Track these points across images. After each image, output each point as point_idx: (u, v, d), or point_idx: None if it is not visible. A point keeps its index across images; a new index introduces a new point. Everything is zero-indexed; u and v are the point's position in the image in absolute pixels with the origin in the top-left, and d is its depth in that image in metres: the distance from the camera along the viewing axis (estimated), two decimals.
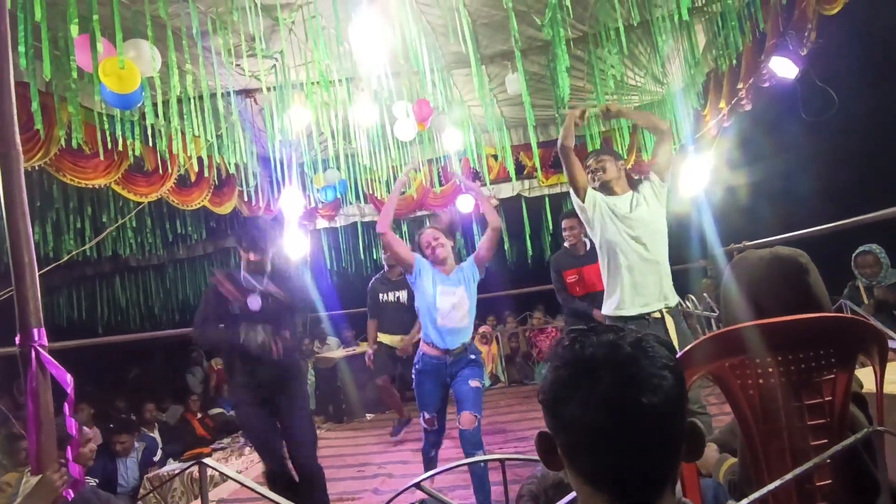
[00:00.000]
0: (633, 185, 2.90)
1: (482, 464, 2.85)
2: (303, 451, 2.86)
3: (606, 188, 2.87)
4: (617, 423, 0.68)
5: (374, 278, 5.05)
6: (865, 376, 1.37)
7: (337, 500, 3.61)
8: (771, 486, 1.10)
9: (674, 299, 2.79)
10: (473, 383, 2.99)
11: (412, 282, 3.13)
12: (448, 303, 3.01)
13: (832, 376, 1.22)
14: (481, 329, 7.07)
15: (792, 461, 1.19)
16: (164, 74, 3.10)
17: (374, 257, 8.04)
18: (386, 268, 4.95)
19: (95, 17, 2.33)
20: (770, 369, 1.25)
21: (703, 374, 1.33)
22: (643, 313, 2.71)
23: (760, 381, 1.26)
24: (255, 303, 2.77)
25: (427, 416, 3.05)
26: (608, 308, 2.84)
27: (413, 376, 3.15)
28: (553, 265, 4.48)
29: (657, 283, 2.75)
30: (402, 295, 4.82)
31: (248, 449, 4.80)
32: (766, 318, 1.29)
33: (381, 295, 4.89)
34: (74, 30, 2.34)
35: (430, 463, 3.13)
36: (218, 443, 5.30)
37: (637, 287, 2.73)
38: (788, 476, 1.08)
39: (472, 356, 3.07)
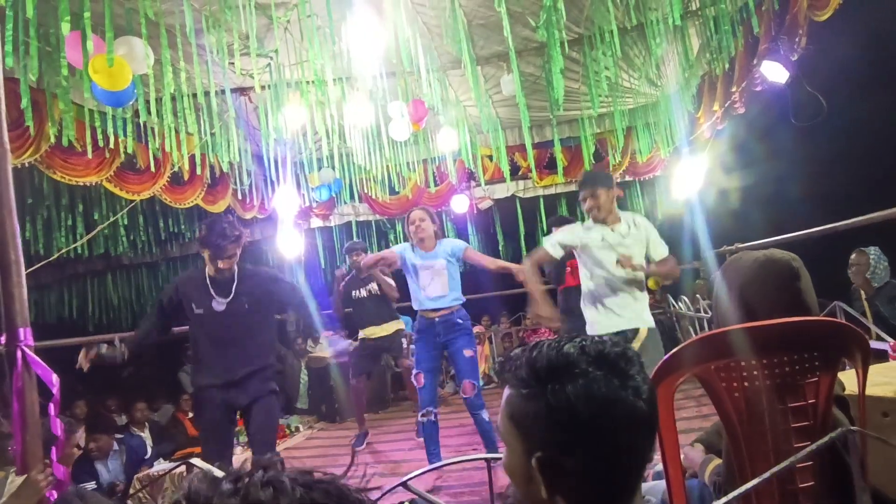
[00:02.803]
0: (625, 218, 2.99)
1: (486, 417, 3.30)
2: (262, 448, 2.82)
3: (599, 222, 2.94)
4: None
5: (343, 282, 5.06)
6: (848, 379, 1.38)
7: None
8: (749, 486, 1.11)
9: (652, 320, 2.96)
10: (467, 353, 3.36)
11: (405, 271, 3.48)
12: (428, 276, 3.38)
13: (815, 379, 1.23)
14: (475, 329, 7.08)
15: (775, 462, 1.20)
16: (157, 72, 3.08)
17: None
18: (353, 271, 5.00)
19: (87, 14, 2.32)
20: (755, 372, 1.26)
21: (689, 376, 1.33)
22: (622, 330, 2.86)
23: (745, 383, 1.27)
24: (219, 305, 2.72)
25: (415, 371, 3.42)
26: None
27: (413, 337, 3.57)
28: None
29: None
30: (374, 286, 4.88)
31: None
32: (755, 320, 1.30)
33: (353, 292, 4.94)
34: (66, 27, 2.32)
35: (428, 437, 3.40)
36: None
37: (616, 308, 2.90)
38: (765, 475, 1.09)
39: (460, 320, 3.40)
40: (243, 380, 2.74)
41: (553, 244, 2.94)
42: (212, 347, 2.75)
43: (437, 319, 3.37)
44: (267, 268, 3.01)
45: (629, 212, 3.06)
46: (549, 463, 0.71)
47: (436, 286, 3.37)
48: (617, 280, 2.86)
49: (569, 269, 4.32)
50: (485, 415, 3.31)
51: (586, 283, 2.98)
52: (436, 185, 6.95)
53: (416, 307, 3.47)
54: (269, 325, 2.93)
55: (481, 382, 6.81)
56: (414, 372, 3.45)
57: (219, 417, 2.75)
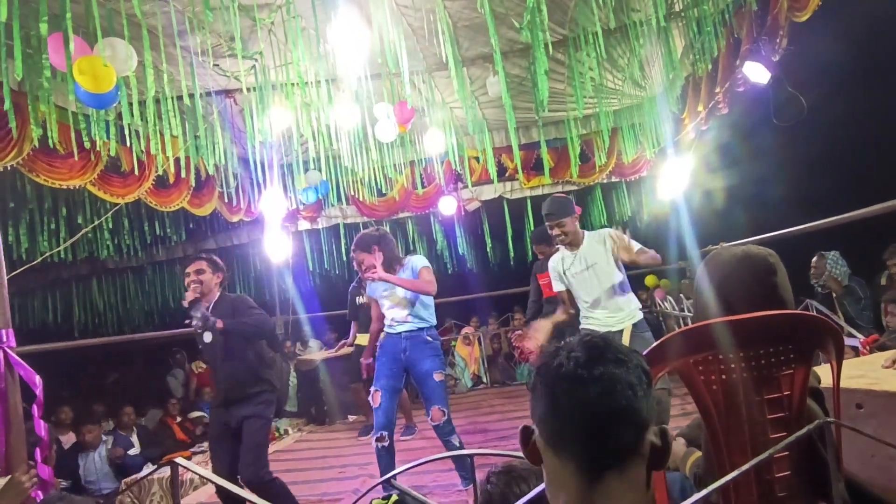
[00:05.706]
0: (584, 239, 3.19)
1: (457, 443, 3.09)
2: (245, 470, 2.89)
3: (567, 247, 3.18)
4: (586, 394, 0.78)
5: (353, 284, 5.15)
6: (823, 372, 1.41)
7: (318, 502, 3.60)
8: (727, 479, 1.13)
9: (637, 315, 3.13)
10: (437, 377, 3.14)
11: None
12: (388, 302, 3.26)
13: (790, 372, 1.26)
14: (464, 330, 7.09)
15: (752, 454, 1.22)
16: (140, 74, 3.06)
17: None
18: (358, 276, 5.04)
19: (68, 15, 2.30)
20: (732, 365, 1.29)
21: (668, 370, 1.36)
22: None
23: (723, 376, 1.30)
24: (207, 336, 2.93)
25: (373, 389, 3.15)
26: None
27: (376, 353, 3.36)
28: (532, 271, 4.73)
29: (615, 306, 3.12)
30: None
31: None
32: (733, 314, 1.32)
33: (357, 298, 4.96)
34: (44, 28, 2.30)
35: (382, 456, 3.08)
36: (198, 446, 5.24)
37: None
38: (743, 468, 1.12)
39: (429, 338, 3.23)
40: (237, 401, 2.97)
41: (556, 282, 3.26)
42: (214, 372, 3.10)
43: (403, 335, 3.19)
44: (238, 295, 3.16)
45: (590, 231, 3.26)
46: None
47: (397, 311, 3.23)
48: (597, 299, 3.10)
49: (546, 280, 4.50)
50: (455, 440, 3.09)
51: (578, 302, 3.23)
52: (423, 186, 6.95)
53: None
54: (253, 347, 3.06)
55: (471, 384, 6.89)
56: (372, 389, 3.15)
57: (219, 434, 3.02)
